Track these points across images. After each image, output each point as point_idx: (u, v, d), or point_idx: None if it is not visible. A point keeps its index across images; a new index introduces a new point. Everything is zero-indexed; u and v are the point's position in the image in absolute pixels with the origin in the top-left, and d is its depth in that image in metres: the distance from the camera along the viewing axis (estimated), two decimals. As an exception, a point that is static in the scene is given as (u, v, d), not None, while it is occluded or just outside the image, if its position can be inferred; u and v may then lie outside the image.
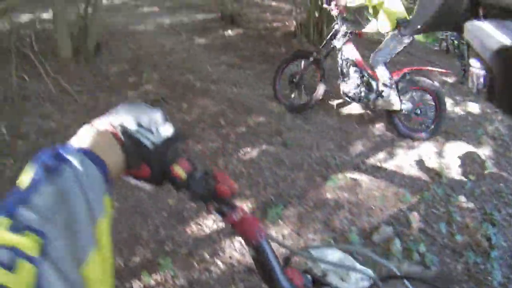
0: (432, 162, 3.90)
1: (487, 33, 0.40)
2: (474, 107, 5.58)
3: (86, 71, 4.74)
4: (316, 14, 6.31)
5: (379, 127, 4.42)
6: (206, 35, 6.48)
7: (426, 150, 4.09)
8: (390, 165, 3.72)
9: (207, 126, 3.83)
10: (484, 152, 4.27)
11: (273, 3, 11.51)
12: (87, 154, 0.46)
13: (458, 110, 5.46)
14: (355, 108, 4.69)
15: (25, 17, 7.10)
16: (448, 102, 5.46)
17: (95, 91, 4.35)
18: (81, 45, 4.90)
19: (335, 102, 4.72)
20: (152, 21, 7.03)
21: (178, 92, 4.41)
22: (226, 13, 7.14)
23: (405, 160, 3.87)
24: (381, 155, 3.88)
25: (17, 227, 0.36)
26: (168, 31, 6.51)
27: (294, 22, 6.69)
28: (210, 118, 3.97)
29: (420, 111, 4.35)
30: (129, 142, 0.53)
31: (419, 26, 0.56)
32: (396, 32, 3.95)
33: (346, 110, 4.69)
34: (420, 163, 3.86)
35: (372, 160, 3.75)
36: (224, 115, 4.04)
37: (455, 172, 3.81)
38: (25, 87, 4.18)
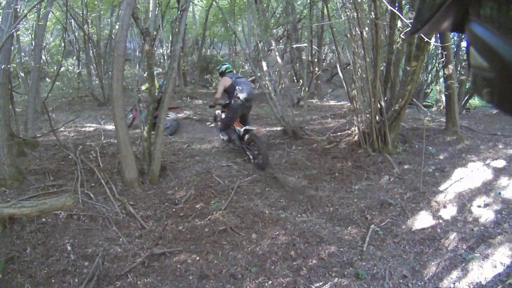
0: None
1: (489, 33, 0.41)
2: None
3: (151, 194, 4.84)
4: (377, 118, 5.80)
5: (451, 240, 3.96)
6: (272, 153, 6.37)
7: (501, 257, 3.61)
8: (464, 284, 3.36)
9: (278, 259, 3.64)
10: None
11: (332, 103, 11.34)
12: None
13: None
14: (424, 221, 4.38)
15: (90, 128, 7.76)
16: None
17: (162, 217, 4.36)
18: (146, 167, 5.06)
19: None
20: (216, 138, 7.00)
21: (248, 221, 4.25)
22: (289, 127, 6.99)
23: (480, 274, 3.44)
24: (455, 273, 3.48)
25: None
26: (233, 149, 6.40)
27: (357, 130, 6.31)
28: (281, 250, 3.78)
29: None
30: None
31: (419, 26, 0.54)
32: None
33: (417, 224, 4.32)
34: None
35: (446, 283, 3.38)
36: (295, 246, 3.85)
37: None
38: (92, 206, 4.38)
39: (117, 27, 6.07)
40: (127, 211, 4.31)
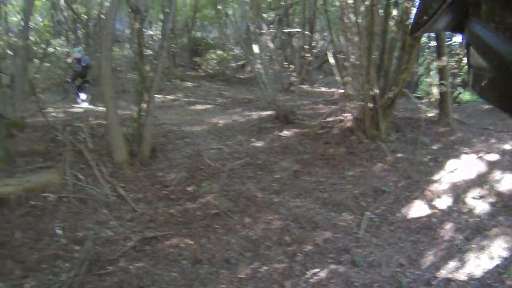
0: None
1: (489, 33, 0.40)
2: None
3: (141, 176, 4.76)
4: (370, 105, 5.76)
5: (447, 230, 3.92)
6: (263, 137, 6.28)
7: (498, 249, 3.59)
8: (461, 274, 3.31)
9: (272, 244, 3.58)
10: None
11: (322, 89, 11.32)
12: None
13: None
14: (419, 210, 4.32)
15: (79, 109, 7.69)
16: None
17: (153, 200, 4.29)
18: (136, 149, 4.96)
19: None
20: (206, 121, 7.05)
21: (241, 204, 4.20)
22: (280, 111, 6.89)
23: (477, 266, 3.38)
24: (452, 264, 3.42)
25: None
26: (224, 132, 6.40)
27: (349, 116, 6.26)
28: (275, 235, 3.73)
29: None
30: None
31: (419, 26, 0.52)
32: None
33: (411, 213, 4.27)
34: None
35: (443, 272, 3.31)
36: (289, 231, 3.79)
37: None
38: (81, 188, 4.26)
39: (106, 5, 5.92)
40: (118, 194, 4.22)
